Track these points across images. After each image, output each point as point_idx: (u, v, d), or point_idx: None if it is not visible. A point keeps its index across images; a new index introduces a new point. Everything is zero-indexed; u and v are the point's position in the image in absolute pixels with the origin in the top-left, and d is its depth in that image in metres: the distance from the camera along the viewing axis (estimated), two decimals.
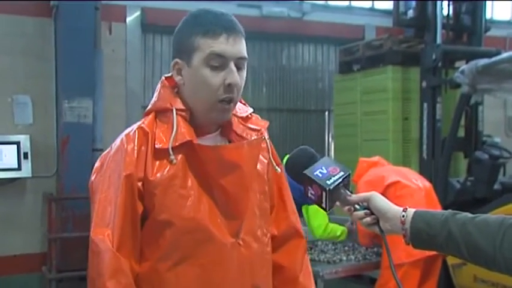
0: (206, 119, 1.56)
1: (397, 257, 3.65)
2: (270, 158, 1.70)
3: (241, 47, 1.52)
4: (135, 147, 1.50)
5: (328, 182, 1.47)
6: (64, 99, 5.44)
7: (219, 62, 1.48)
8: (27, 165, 5.48)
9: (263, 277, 1.65)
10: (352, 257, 4.12)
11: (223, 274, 1.54)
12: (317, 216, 3.97)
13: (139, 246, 1.52)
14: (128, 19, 6.28)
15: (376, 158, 4.23)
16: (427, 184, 4.08)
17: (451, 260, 4.65)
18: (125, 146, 1.51)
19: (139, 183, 1.48)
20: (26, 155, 5.48)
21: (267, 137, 1.70)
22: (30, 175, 5.51)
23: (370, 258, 4.15)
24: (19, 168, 5.45)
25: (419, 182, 4.00)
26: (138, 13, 6.31)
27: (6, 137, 5.50)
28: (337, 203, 1.52)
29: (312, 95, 7.50)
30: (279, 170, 1.72)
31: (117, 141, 1.56)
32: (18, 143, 5.47)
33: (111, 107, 5.96)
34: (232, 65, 1.49)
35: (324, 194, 1.47)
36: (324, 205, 1.49)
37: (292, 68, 7.35)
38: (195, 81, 1.52)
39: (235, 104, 1.57)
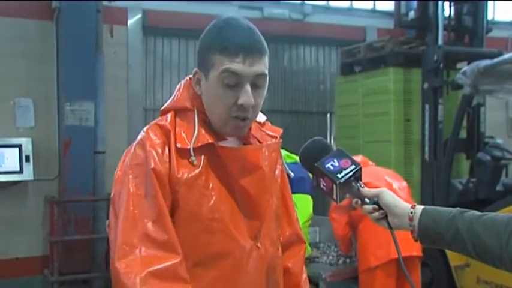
0: (222, 130, 1.54)
1: (367, 262, 3.66)
2: (283, 164, 1.72)
3: (260, 67, 1.48)
4: (158, 144, 1.47)
5: (339, 176, 1.47)
6: (66, 101, 5.45)
7: (233, 81, 1.45)
8: (29, 168, 5.48)
9: (275, 281, 1.66)
10: (355, 259, 4.11)
11: (240, 276, 1.54)
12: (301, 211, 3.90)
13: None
14: (130, 21, 6.29)
15: (358, 158, 4.04)
16: (402, 185, 3.89)
17: (454, 262, 4.64)
18: (146, 144, 1.47)
19: (167, 179, 1.46)
20: (27, 158, 5.48)
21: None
22: (32, 178, 5.51)
23: None
24: (21, 171, 5.46)
25: (393, 183, 3.82)
26: (139, 15, 6.32)
27: (8, 140, 5.50)
28: (348, 196, 1.53)
29: (314, 97, 7.51)
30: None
31: (134, 144, 1.52)
32: (20, 146, 5.47)
33: (113, 109, 5.97)
34: (247, 85, 1.46)
35: (334, 186, 1.47)
36: (334, 197, 1.50)
37: (293, 69, 7.36)
38: (210, 96, 1.50)
39: (252, 120, 1.55)
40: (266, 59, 1.52)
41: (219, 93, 1.47)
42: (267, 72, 1.52)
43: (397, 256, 3.56)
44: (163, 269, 1.37)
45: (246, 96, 1.46)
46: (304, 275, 1.83)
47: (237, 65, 1.44)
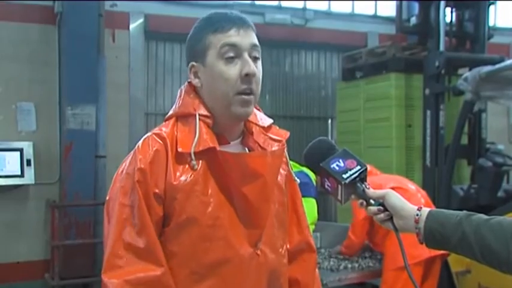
0: (228, 116, 1.52)
1: (396, 260, 3.70)
2: (289, 169, 1.70)
3: (253, 38, 1.52)
4: (150, 154, 1.47)
5: (344, 176, 1.46)
6: (67, 105, 5.46)
7: (233, 52, 1.49)
8: (30, 172, 5.48)
9: None
10: (356, 265, 4.10)
11: (240, 284, 1.53)
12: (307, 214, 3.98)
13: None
14: (131, 26, 6.30)
15: (368, 167, 4.18)
16: (422, 191, 4.15)
17: (455, 268, 4.63)
18: (138, 155, 1.48)
19: (157, 189, 1.45)
20: (29, 162, 5.48)
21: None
22: (33, 182, 5.51)
23: (373, 266, 4.13)
24: (22, 175, 5.46)
25: (414, 188, 4.06)
26: (141, 20, 6.33)
27: (10, 143, 5.51)
28: (353, 197, 1.52)
29: (315, 102, 7.51)
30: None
31: (132, 153, 1.52)
32: (21, 150, 5.48)
33: (114, 113, 5.97)
34: (246, 55, 1.50)
35: (339, 187, 1.46)
36: (339, 197, 1.49)
37: (295, 75, 7.36)
38: (212, 78, 1.51)
39: (256, 97, 1.54)
40: (255, 35, 1.55)
41: (221, 69, 1.49)
42: (259, 45, 1.57)
43: (430, 255, 3.71)
44: (144, 279, 1.40)
45: (248, 65, 1.49)
46: (318, 284, 1.80)
47: (233, 37, 1.49)
